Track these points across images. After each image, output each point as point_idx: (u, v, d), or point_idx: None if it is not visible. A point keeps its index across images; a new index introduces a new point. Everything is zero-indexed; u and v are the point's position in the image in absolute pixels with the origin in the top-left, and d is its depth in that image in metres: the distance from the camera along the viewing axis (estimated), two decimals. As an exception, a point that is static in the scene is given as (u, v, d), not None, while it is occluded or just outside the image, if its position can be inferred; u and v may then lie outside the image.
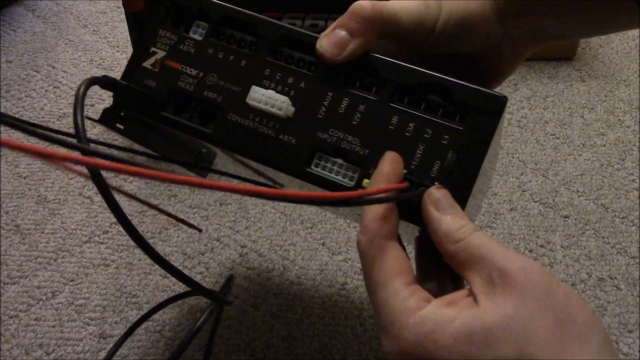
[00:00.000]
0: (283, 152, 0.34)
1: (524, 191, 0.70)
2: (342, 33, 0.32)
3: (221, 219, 0.67)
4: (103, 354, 0.55)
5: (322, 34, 0.34)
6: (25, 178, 0.72)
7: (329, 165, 0.34)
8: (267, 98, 0.35)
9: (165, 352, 0.55)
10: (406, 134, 0.33)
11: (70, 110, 0.80)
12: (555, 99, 0.83)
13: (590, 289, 0.60)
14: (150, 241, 0.64)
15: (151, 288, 0.60)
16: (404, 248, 0.31)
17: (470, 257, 0.28)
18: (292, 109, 0.35)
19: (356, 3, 0.33)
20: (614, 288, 0.60)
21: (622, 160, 0.75)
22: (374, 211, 0.30)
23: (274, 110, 0.35)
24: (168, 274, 0.61)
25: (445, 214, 0.30)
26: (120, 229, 0.66)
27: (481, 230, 0.30)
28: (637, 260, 0.63)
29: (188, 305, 0.59)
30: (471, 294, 0.28)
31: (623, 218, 0.67)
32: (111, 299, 0.59)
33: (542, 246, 0.64)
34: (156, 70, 0.37)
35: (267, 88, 0.35)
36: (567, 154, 0.76)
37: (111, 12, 0.99)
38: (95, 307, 0.59)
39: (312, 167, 0.34)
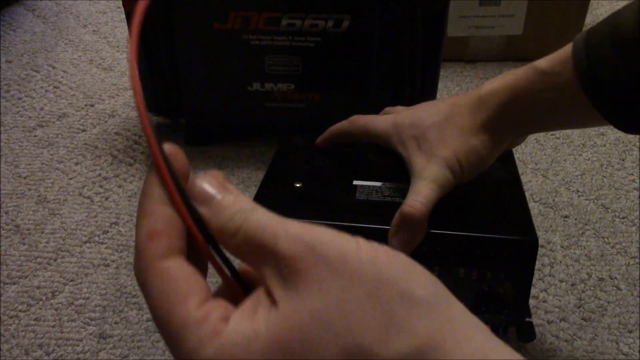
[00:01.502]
0: None
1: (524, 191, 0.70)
2: (405, 237, 0.43)
3: (221, 219, 0.67)
4: (103, 354, 0.55)
5: (390, 234, 0.44)
6: (25, 178, 0.72)
7: None
8: None
9: (165, 352, 0.55)
10: (473, 278, 0.46)
11: (71, 110, 0.80)
12: (555, 99, 0.83)
13: (590, 289, 0.60)
14: (150, 241, 0.64)
15: (151, 288, 0.60)
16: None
17: (252, 249, 0.23)
18: None
19: (405, 210, 0.42)
20: (614, 288, 0.60)
21: (622, 160, 0.75)
22: (143, 229, 0.24)
23: None
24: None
25: (210, 205, 0.24)
26: (121, 228, 0.66)
27: (260, 208, 0.24)
28: (637, 260, 0.63)
29: (188, 305, 0.59)
30: (269, 292, 0.23)
31: (623, 218, 0.67)
32: (111, 299, 0.59)
33: (542, 246, 0.64)
34: None
35: None
36: (567, 154, 0.76)
37: (111, 12, 0.99)
38: (95, 307, 0.59)
39: None
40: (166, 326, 0.23)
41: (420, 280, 0.22)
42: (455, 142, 0.45)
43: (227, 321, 0.22)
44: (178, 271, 0.24)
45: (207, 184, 0.24)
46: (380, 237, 0.45)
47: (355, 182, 0.52)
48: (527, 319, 0.48)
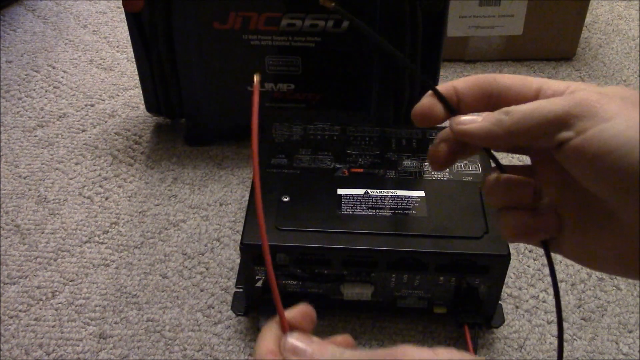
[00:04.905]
0: (379, 294, 0.55)
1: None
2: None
3: (221, 219, 0.67)
4: (103, 354, 0.55)
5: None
6: (25, 178, 0.72)
7: (407, 301, 0.55)
8: (356, 292, 0.53)
9: (165, 352, 0.55)
10: (451, 284, 0.52)
11: (71, 110, 0.80)
12: (555, 99, 0.83)
13: (590, 289, 0.60)
14: (150, 241, 0.64)
15: (151, 288, 0.60)
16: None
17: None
18: (372, 288, 0.53)
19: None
20: (614, 288, 0.60)
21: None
22: (265, 346, 0.29)
23: (363, 297, 0.54)
24: (168, 274, 0.61)
25: (305, 356, 0.29)
26: (121, 228, 0.66)
27: (347, 350, 0.29)
28: (637, 260, 0.63)
29: (188, 306, 0.59)
30: None
31: (623, 218, 0.67)
32: (111, 299, 0.59)
33: (542, 246, 0.64)
34: None
35: (352, 282, 0.53)
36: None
37: (111, 12, 0.99)
38: (95, 307, 0.59)
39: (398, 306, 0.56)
40: None
41: None
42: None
43: None
44: None
45: (296, 339, 0.29)
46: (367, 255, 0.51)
47: (340, 191, 0.55)
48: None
